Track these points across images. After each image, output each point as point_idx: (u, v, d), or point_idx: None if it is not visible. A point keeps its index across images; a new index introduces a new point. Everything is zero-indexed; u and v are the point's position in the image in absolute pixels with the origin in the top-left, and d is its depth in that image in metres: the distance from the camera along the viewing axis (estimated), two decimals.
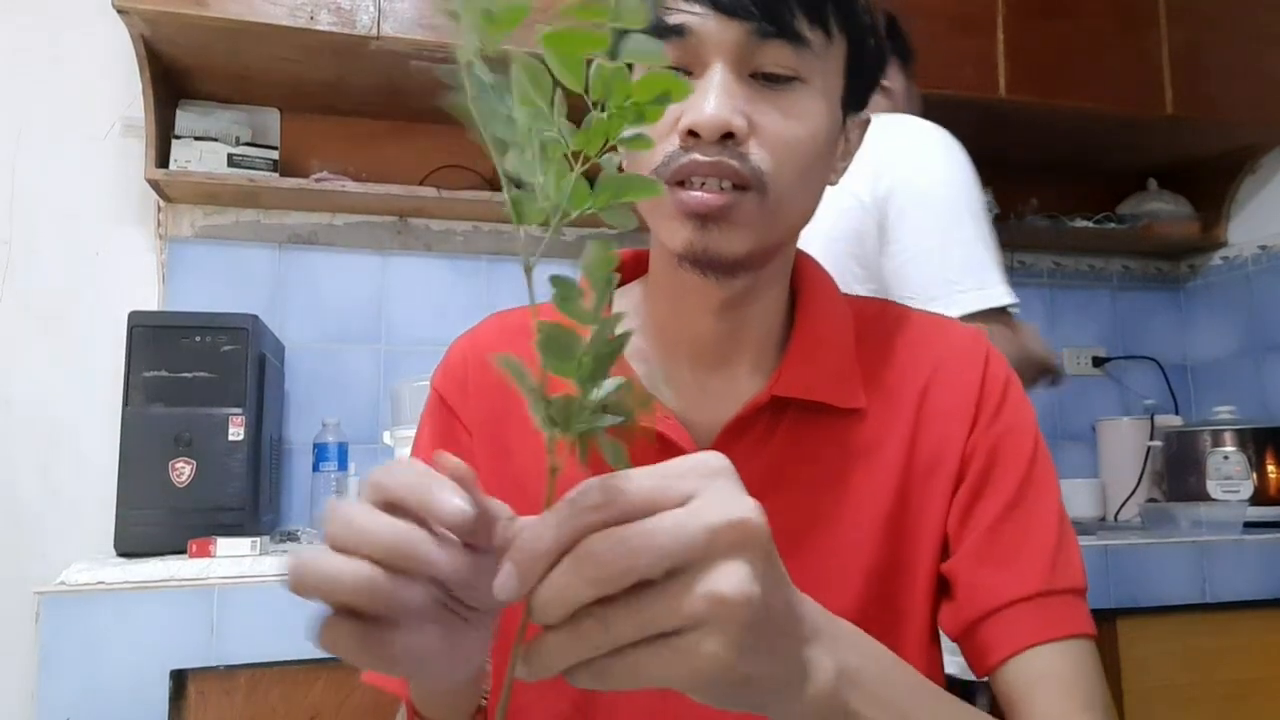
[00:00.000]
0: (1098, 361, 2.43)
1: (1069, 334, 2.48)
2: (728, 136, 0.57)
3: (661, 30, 0.59)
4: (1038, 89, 2.06)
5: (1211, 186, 2.48)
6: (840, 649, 0.44)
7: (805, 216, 0.65)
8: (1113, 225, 2.41)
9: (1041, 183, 2.44)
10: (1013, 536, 0.64)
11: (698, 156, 0.58)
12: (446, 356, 0.75)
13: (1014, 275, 2.43)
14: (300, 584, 0.37)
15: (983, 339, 0.71)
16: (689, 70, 0.59)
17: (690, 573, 0.35)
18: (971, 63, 2.04)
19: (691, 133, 0.58)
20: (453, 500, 0.37)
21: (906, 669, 0.50)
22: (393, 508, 0.38)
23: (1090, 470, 2.30)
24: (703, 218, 0.58)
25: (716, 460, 0.39)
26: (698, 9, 0.58)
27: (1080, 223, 2.37)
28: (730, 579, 0.35)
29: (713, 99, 0.57)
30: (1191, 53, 2.18)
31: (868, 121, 0.69)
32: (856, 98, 0.65)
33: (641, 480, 0.37)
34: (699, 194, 0.58)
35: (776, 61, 0.59)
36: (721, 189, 0.58)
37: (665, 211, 0.60)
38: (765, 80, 0.59)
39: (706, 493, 0.37)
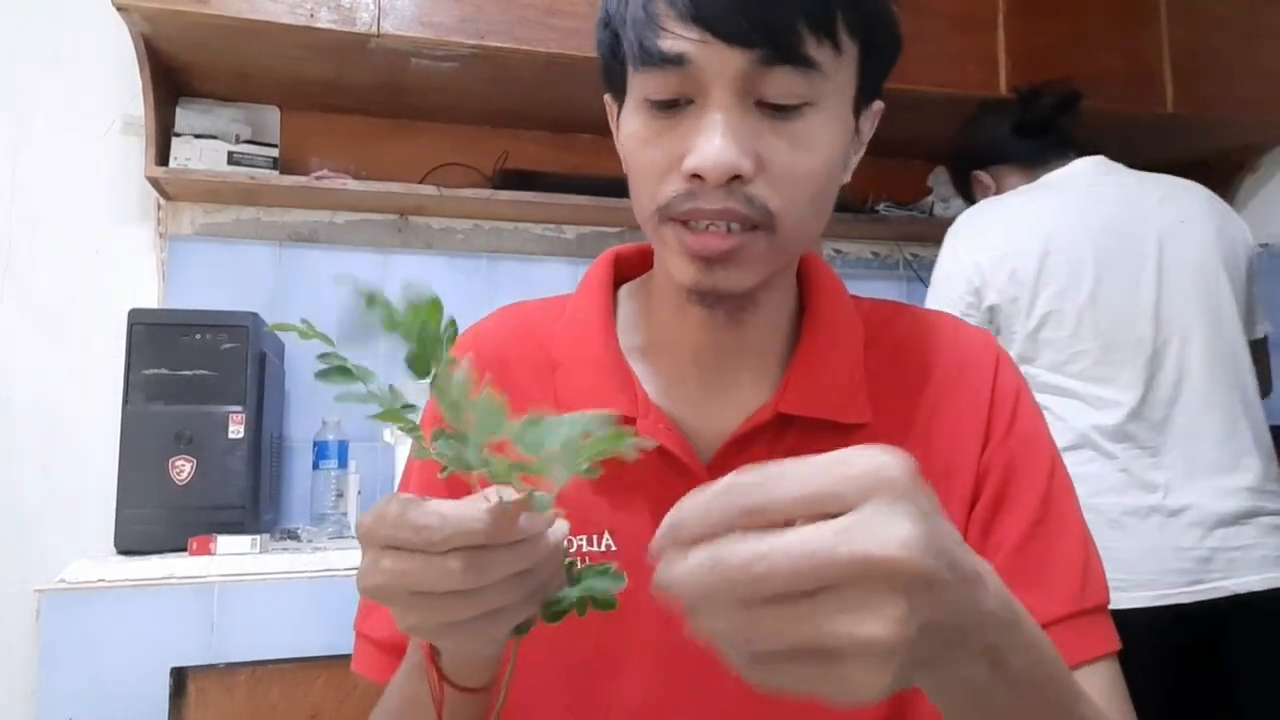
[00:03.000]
0: None
1: None
2: (734, 178, 0.54)
3: (659, 58, 0.54)
4: None
5: (1212, 185, 2.45)
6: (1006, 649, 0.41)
7: (818, 233, 0.63)
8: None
9: None
10: (1040, 555, 0.62)
11: (702, 204, 0.55)
12: (450, 352, 0.74)
13: None
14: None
15: (992, 343, 0.69)
16: (690, 99, 0.56)
17: (838, 598, 0.33)
18: (973, 61, 2.04)
19: (696, 174, 0.55)
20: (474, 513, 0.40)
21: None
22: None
23: None
24: (708, 260, 0.57)
25: (888, 467, 0.35)
26: (695, 34, 0.54)
27: None
28: (877, 623, 0.33)
29: (717, 140, 0.54)
30: (1192, 52, 2.18)
31: (881, 109, 0.65)
32: (871, 92, 0.62)
33: (799, 481, 0.35)
34: (705, 238, 0.56)
35: (784, 90, 0.55)
36: (729, 230, 0.56)
37: (671, 248, 0.58)
38: (773, 109, 0.55)
39: (865, 509, 0.34)
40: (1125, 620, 0.65)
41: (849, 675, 0.33)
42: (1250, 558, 1.38)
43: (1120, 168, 1.63)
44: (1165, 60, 2.16)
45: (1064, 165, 1.63)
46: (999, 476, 0.64)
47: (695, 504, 0.36)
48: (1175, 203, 1.56)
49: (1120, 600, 0.84)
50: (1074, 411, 1.48)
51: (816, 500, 0.34)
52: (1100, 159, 1.63)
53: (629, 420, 0.64)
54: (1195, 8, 2.20)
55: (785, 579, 0.33)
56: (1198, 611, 1.36)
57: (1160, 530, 1.40)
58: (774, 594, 0.33)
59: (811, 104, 0.56)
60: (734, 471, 0.36)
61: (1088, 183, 1.59)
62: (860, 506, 0.34)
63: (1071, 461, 0.72)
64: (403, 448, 1.66)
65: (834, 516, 0.34)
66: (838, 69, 0.56)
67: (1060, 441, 0.71)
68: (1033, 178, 1.65)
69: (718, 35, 0.53)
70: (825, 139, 0.57)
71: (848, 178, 0.64)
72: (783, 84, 0.54)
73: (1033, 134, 1.69)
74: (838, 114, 0.58)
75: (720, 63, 0.54)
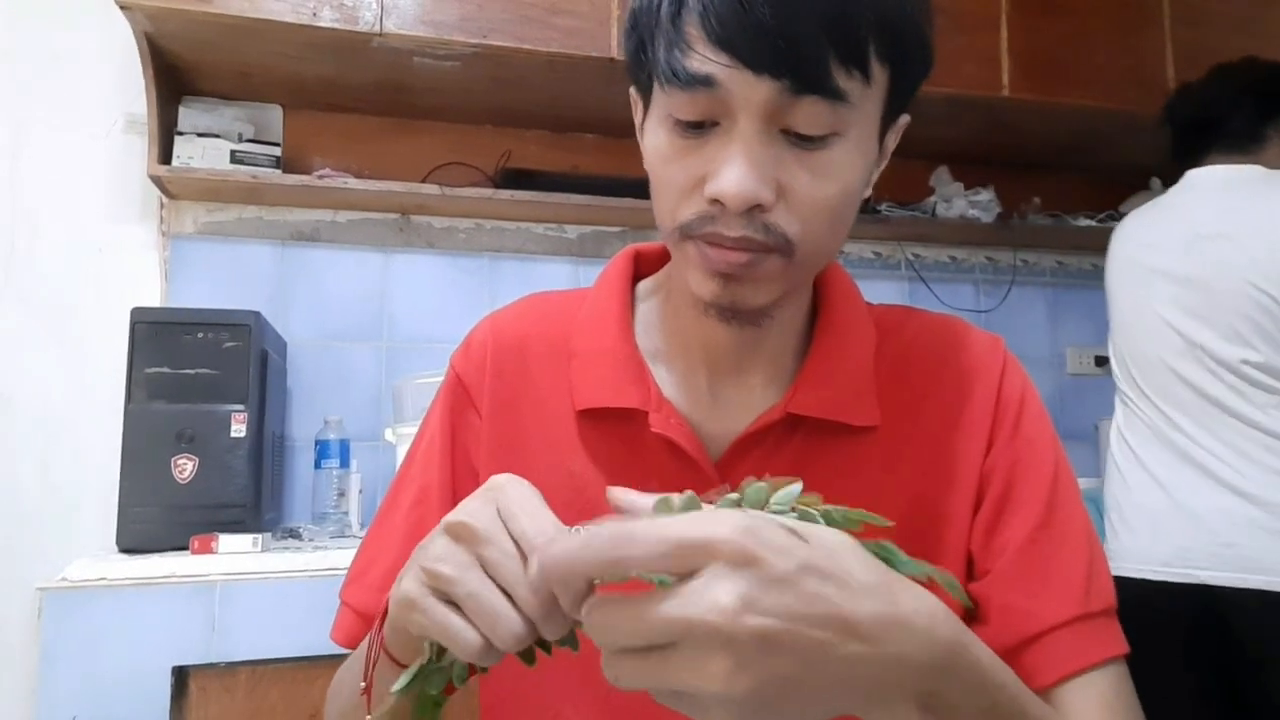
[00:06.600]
0: (1100, 360, 2.43)
1: (1071, 333, 2.48)
2: (755, 206, 0.55)
3: (687, 79, 0.54)
4: (1041, 87, 2.06)
5: None
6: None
7: (837, 251, 0.63)
8: (1116, 224, 2.40)
9: (1044, 181, 2.44)
10: (1044, 558, 0.62)
11: (722, 229, 0.55)
12: (469, 336, 0.74)
13: (1017, 274, 2.45)
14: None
15: (999, 346, 0.70)
16: (715, 121, 0.55)
17: (676, 653, 0.38)
18: (974, 60, 2.04)
19: (716, 200, 0.55)
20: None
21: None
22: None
23: (1091, 469, 2.29)
24: (727, 276, 0.57)
25: (722, 537, 0.38)
26: (725, 59, 0.53)
27: (1083, 221, 2.36)
28: (705, 678, 0.38)
29: (740, 170, 0.54)
30: (1194, 51, 2.17)
31: (907, 122, 0.64)
32: (897, 109, 0.61)
33: (649, 540, 0.39)
34: (725, 253, 0.56)
35: (810, 121, 0.54)
36: (748, 248, 0.56)
37: (692, 262, 0.59)
38: (798, 138, 0.55)
39: (704, 573, 0.38)
40: None
41: (710, 715, 0.39)
42: (1226, 554, 1.37)
43: (1247, 178, 1.52)
44: (1168, 58, 2.16)
45: (1197, 168, 1.58)
46: (1002, 480, 0.65)
47: (564, 552, 0.40)
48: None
49: None
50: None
51: (666, 560, 0.38)
52: (1229, 169, 1.54)
53: (641, 414, 0.64)
54: (1197, 7, 2.20)
55: (632, 637, 0.39)
56: (1160, 593, 1.39)
57: (1143, 516, 1.41)
58: (629, 648, 0.39)
59: (838, 134, 0.55)
60: (592, 527, 0.40)
61: (1181, 201, 1.56)
62: (701, 571, 0.38)
63: None
64: (403, 447, 1.66)
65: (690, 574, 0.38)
66: (866, 98, 0.56)
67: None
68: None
69: (745, 63, 0.52)
70: (848, 166, 0.57)
71: (869, 193, 0.64)
72: (810, 115, 0.54)
73: (1177, 132, 1.63)
74: (863, 141, 0.58)
75: (748, 89, 0.53)
